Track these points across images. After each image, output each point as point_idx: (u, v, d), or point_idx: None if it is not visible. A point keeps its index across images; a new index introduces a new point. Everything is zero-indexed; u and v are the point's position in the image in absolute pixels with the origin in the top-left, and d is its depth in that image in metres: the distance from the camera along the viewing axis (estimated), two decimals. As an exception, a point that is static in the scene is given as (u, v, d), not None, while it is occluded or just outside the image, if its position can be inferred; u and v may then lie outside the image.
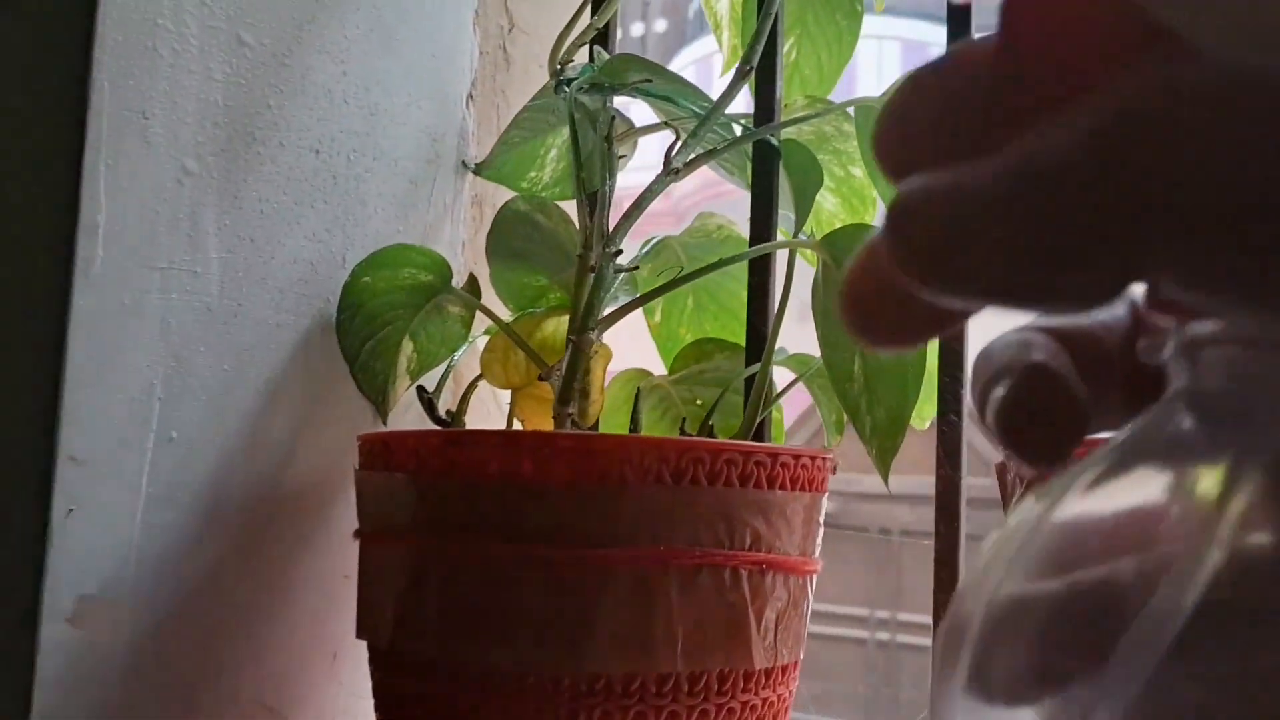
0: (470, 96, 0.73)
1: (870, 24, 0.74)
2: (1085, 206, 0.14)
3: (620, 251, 0.55)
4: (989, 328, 0.20)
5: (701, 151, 0.58)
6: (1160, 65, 0.14)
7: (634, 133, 0.61)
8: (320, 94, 0.61)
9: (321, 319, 0.62)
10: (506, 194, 0.73)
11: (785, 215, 0.65)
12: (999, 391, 0.18)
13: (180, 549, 0.54)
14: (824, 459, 0.52)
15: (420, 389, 0.65)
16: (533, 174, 0.70)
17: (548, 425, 0.64)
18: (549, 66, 0.63)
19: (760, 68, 0.64)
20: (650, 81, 0.58)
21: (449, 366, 0.68)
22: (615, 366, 0.67)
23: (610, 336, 0.73)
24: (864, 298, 0.17)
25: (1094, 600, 0.16)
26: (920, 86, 0.17)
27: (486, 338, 0.67)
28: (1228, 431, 0.16)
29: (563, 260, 0.65)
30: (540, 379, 0.56)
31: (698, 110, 0.60)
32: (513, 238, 0.66)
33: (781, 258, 0.64)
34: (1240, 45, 0.14)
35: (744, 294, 0.67)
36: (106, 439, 0.51)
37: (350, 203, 0.63)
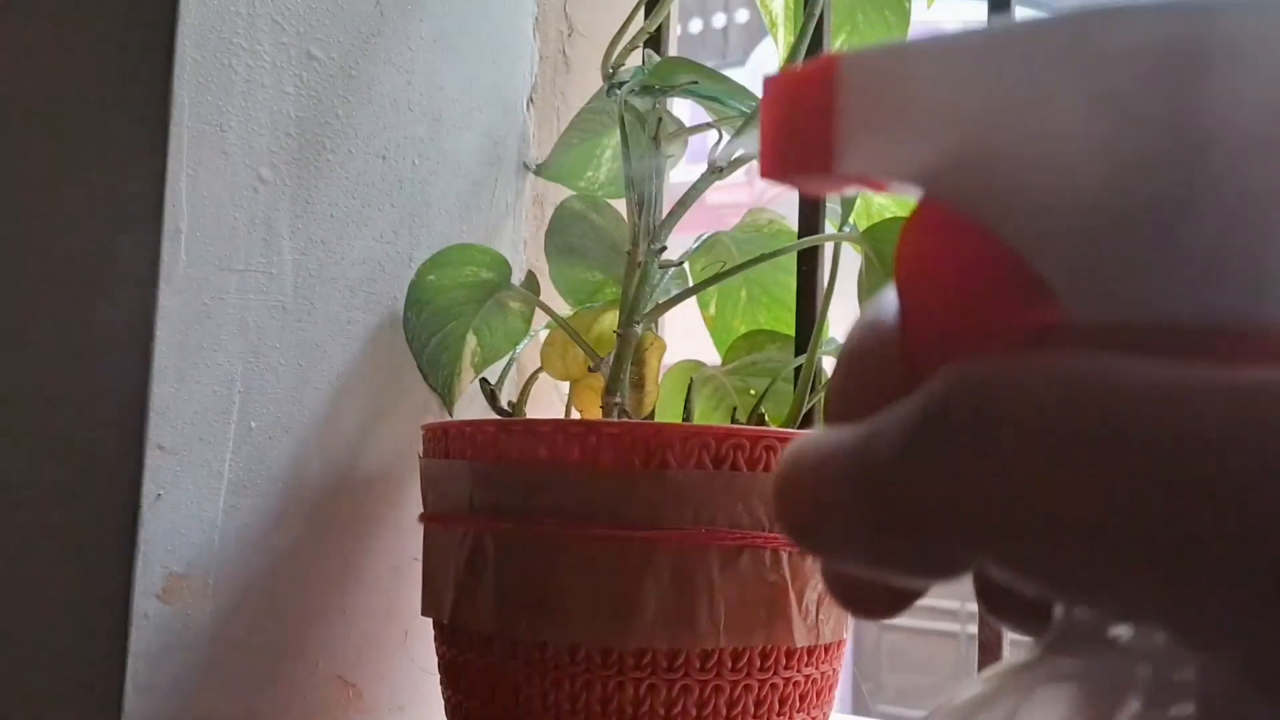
0: (530, 100, 0.76)
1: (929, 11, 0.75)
2: (902, 496, 0.14)
3: (665, 248, 0.57)
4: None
5: (747, 150, 0.60)
6: (966, 362, 0.14)
7: (683, 132, 0.63)
8: (386, 103, 0.65)
9: (389, 316, 0.65)
10: (567, 193, 0.76)
11: (833, 209, 0.67)
12: None
13: (260, 531, 0.58)
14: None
15: (483, 381, 0.68)
16: (589, 173, 0.73)
17: (601, 414, 0.67)
18: (602, 70, 0.66)
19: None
20: (696, 83, 0.60)
21: (511, 359, 0.71)
22: (675, 358, 0.70)
23: (669, 331, 0.75)
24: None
25: None
26: (847, 363, 0.18)
27: (547, 332, 0.70)
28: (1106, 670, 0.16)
29: (616, 257, 0.67)
30: (590, 370, 0.58)
31: (744, 109, 0.62)
32: (569, 235, 0.69)
33: (829, 250, 0.66)
34: (1101, 312, 0.15)
35: (795, 286, 0.69)
36: (191, 429, 0.55)
37: (416, 205, 0.67)
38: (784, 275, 0.70)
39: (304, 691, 0.60)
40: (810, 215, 0.66)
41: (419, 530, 0.58)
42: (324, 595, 0.61)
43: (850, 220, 0.62)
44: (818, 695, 0.54)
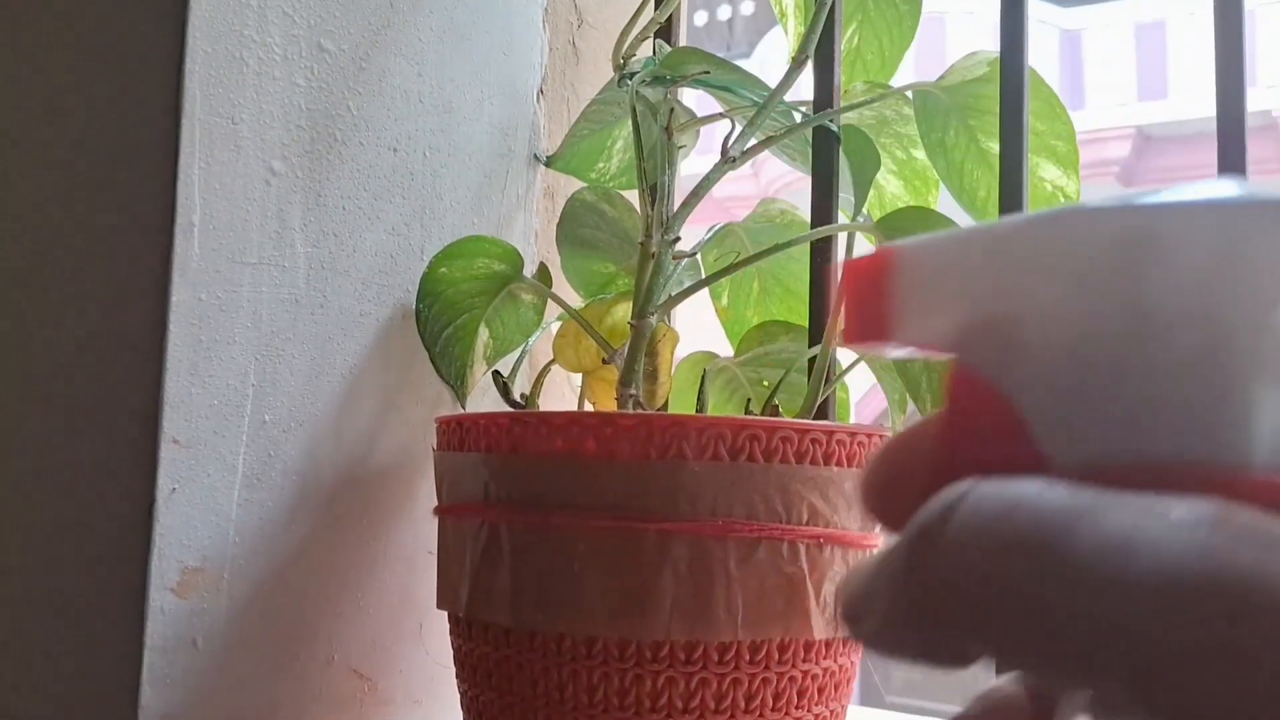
0: (541, 91, 0.76)
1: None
2: (911, 604, 0.18)
3: (679, 238, 0.57)
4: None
5: (759, 140, 0.60)
6: (954, 486, 0.18)
7: (694, 123, 0.63)
8: (397, 95, 0.65)
9: (402, 308, 0.65)
10: (578, 185, 0.76)
11: (847, 199, 0.66)
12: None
13: (275, 524, 0.58)
14: (881, 437, 0.54)
15: (496, 373, 0.68)
16: (600, 165, 0.72)
17: (615, 405, 0.67)
18: (613, 61, 0.66)
19: (819, 55, 0.65)
20: (708, 73, 0.60)
21: (523, 351, 0.71)
22: (688, 350, 0.70)
23: (682, 322, 0.75)
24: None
25: None
26: (885, 456, 0.22)
27: (559, 323, 0.70)
28: None
29: (628, 248, 0.67)
30: (604, 362, 0.58)
31: (756, 99, 0.61)
32: (580, 227, 0.69)
33: (842, 240, 0.66)
34: (1069, 452, 0.18)
35: (808, 276, 0.68)
36: (205, 423, 0.55)
37: (427, 197, 0.67)
38: (797, 266, 0.70)
39: (318, 685, 0.59)
40: (823, 205, 0.66)
41: (433, 522, 0.58)
42: (338, 588, 0.61)
43: (864, 210, 0.62)
44: (835, 688, 0.54)
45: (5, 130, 0.61)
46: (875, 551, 0.20)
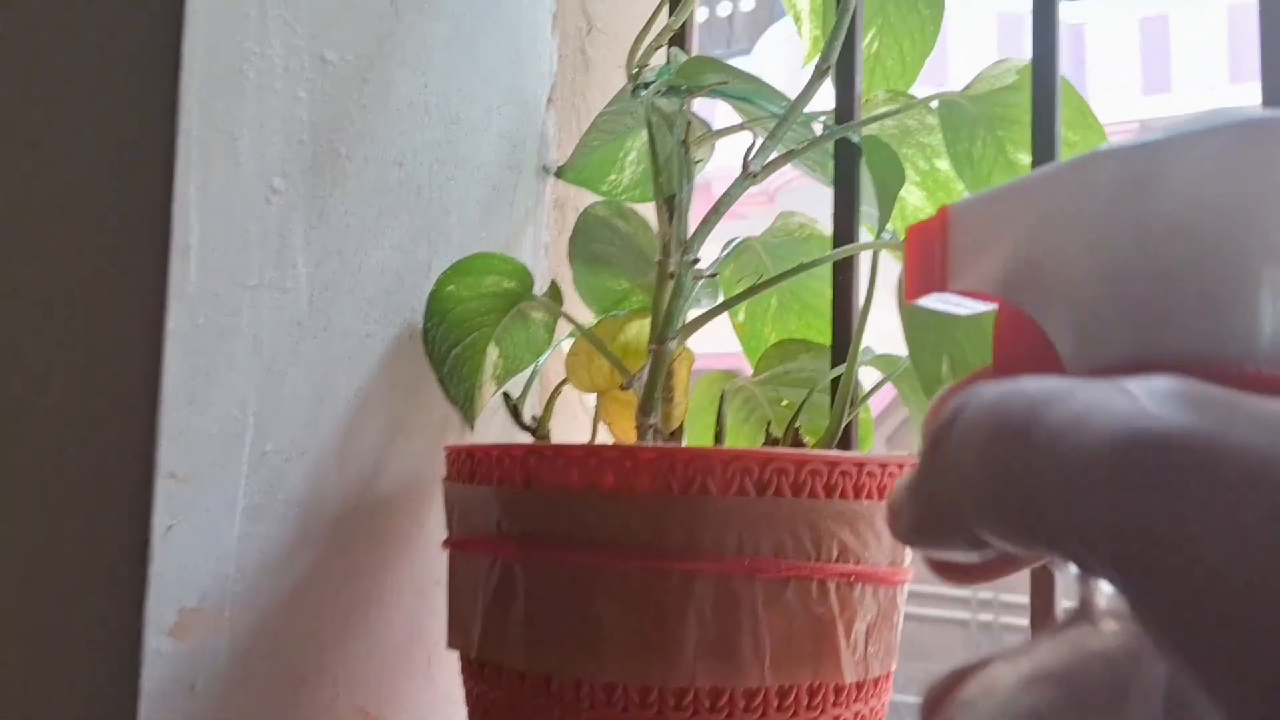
0: (550, 100, 0.73)
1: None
2: (928, 495, 0.20)
3: (698, 259, 0.54)
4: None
5: (781, 153, 0.57)
6: (955, 400, 0.20)
7: (712, 136, 0.60)
8: (402, 106, 0.62)
9: (408, 328, 0.63)
10: (588, 196, 0.73)
11: (868, 211, 0.64)
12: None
13: (277, 558, 0.55)
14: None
15: (505, 395, 0.65)
16: (612, 177, 0.70)
17: (633, 428, 0.64)
18: (626, 69, 0.63)
19: (839, 63, 0.62)
20: (726, 83, 0.57)
21: (534, 371, 0.68)
22: (699, 356, 0.67)
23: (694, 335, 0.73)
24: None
25: None
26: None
27: (571, 340, 0.67)
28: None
29: (643, 264, 0.65)
30: (622, 388, 0.55)
31: (776, 110, 0.59)
32: (594, 242, 0.66)
33: (865, 255, 0.63)
34: (1084, 362, 0.20)
35: (828, 291, 0.66)
36: (203, 455, 0.53)
37: (434, 212, 0.64)
38: (816, 281, 0.68)
39: (324, 723, 0.57)
40: (845, 220, 0.63)
41: (443, 551, 0.55)
42: (344, 622, 0.59)
43: (889, 226, 0.59)
44: (865, 729, 0.51)
45: (-6, 146, 0.59)
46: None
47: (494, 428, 0.68)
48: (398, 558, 0.61)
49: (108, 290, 0.53)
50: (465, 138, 0.66)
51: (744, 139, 0.64)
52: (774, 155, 0.57)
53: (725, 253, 0.63)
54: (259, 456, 0.55)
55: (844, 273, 0.63)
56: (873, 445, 0.67)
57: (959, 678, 0.22)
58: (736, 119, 0.64)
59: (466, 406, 0.66)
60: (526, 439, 0.64)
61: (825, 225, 0.68)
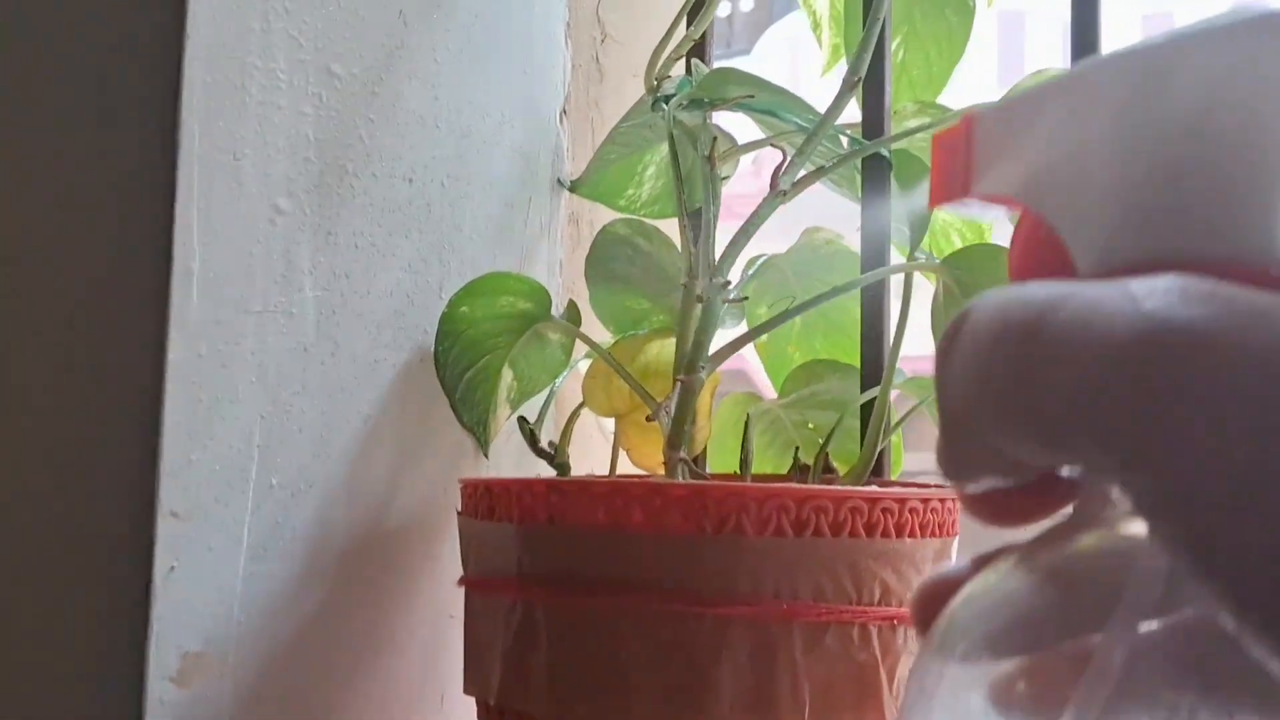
0: (564, 111, 0.70)
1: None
2: (943, 414, 0.19)
3: (729, 282, 0.52)
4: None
5: (810, 170, 0.55)
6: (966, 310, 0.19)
7: (737, 151, 0.58)
8: (412, 121, 0.59)
9: (420, 352, 0.60)
10: (603, 211, 0.71)
11: (897, 228, 0.61)
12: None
13: (284, 597, 0.53)
14: (955, 501, 0.49)
15: (521, 420, 0.63)
16: (630, 191, 0.67)
17: (654, 454, 0.61)
18: (645, 81, 0.60)
19: (867, 74, 0.60)
20: (752, 97, 0.54)
21: (550, 395, 0.66)
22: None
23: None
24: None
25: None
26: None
27: (588, 361, 0.64)
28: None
29: (665, 284, 0.62)
30: (649, 419, 0.53)
31: (803, 124, 0.56)
32: (613, 261, 0.64)
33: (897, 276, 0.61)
34: (1095, 264, 0.20)
35: (855, 310, 0.63)
36: (207, 492, 0.50)
37: (445, 230, 0.61)
38: (842, 300, 0.65)
39: (334, 768, 0.54)
40: (875, 239, 0.61)
41: (457, 585, 0.53)
42: (354, 661, 0.56)
43: (923, 246, 0.57)
44: (905, 776, 0.49)
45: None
46: None
47: (508, 454, 0.65)
48: (410, 592, 0.59)
49: (106, 318, 0.51)
50: (477, 152, 0.63)
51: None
52: (803, 172, 0.55)
53: (750, 273, 0.60)
54: (264, 491, 0.52)
55: (874, 293, 0.60)
56: (902, 469, 0.64)
57: (950, 583, 0.21)
58: (751, 127, 0.61)
59: (481, 432, 0.63)
60: (543, 466, 0.62)
61: (835, 227, 0.65)
